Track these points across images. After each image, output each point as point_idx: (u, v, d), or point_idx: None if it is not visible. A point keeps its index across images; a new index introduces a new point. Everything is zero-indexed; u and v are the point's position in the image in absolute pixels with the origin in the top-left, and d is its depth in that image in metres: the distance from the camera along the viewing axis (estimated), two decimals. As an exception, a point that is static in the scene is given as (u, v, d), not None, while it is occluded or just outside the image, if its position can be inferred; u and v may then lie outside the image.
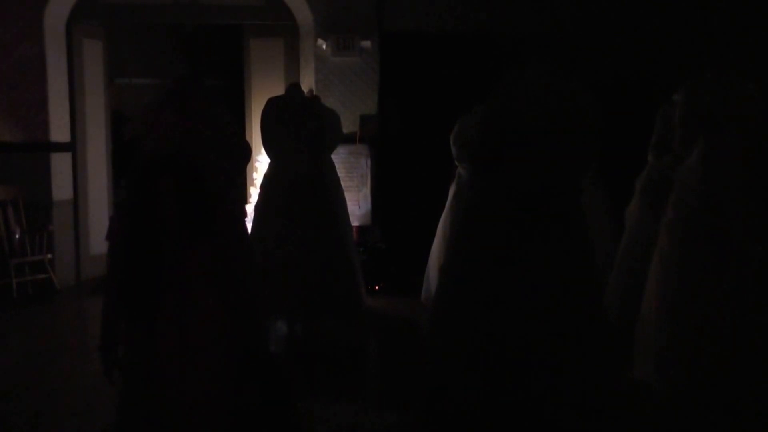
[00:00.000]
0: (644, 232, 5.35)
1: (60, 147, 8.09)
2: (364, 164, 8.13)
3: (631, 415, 4.28)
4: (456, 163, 6.66)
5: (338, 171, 6.64)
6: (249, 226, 5.99)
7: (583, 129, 3.80)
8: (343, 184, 6.67)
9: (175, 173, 2.91)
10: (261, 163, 7.45)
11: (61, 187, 8.13)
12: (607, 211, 6.35)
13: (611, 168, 6.02)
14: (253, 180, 8.00)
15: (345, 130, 7.01)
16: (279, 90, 7.30)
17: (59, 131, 8.08)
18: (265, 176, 6.29)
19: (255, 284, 5.00)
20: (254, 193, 7.33)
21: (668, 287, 4.42)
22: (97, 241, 8.21)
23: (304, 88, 6.63)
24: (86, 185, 8.41)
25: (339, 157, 7.18)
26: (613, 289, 5.58)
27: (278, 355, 3.24)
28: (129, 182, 2.97)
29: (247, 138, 7.19)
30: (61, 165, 8.12)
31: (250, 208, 6.49)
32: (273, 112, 6.15)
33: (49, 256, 7.75)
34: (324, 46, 8.06)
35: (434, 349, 4.12)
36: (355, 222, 7.57)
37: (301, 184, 6.07)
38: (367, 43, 8.09)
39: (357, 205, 8.03)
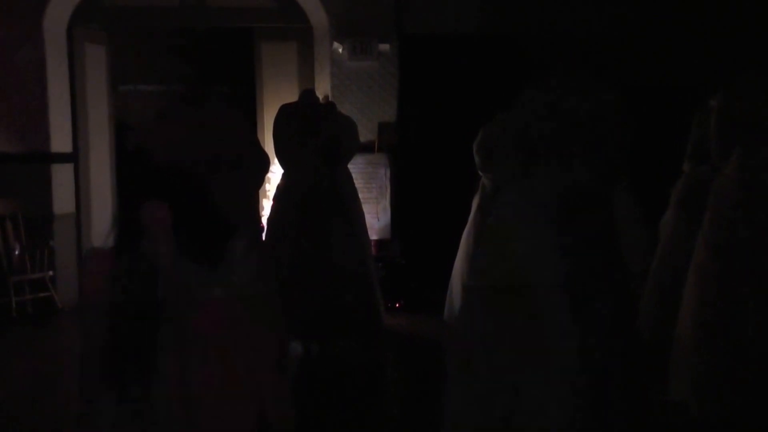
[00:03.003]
0: (680, 244, 5.35)
1: (61, 158, 8.18)
2: (383, 175, 8.20)
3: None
4: (479, 173, 6.71)
5: (356, 182, 6.69)
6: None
7: (613, 136, 3.86)
8: (360, 195, 6.72)
9: (168, 199, 2.46)
10: (274, 174, 7.53)
11: (63, 200, 8.22)
12: (641, 222, 6.37)
13: (644, 177, 6.05)
14: (266, 192, 8.07)
15: (362, 139, 7.06)
16: (292, 96, 7.36)
17: (60, 141, 8.17)
18: (278, 188, 6.37)
19: (277, 307, 5.04)
20: (267, 205, 7.40)
21: (706, 304, 4.43)
22: (101, 258, 8.26)
23: (319, 95, 6.69)
24: (89, 198, 8.48)
25: (356, 168, 7.27)
26: (647, 305, 5.61)
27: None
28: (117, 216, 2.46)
29: (258, 148, 7.25)
30: (62, 177, 8.21)
31: (263, 222, 6.55)
32: (286, 120, 6.23)
33: (51, 273, 7.82)
34: (340, 50, 8.14)
35: (457, 371, 4.18)
36: (373, 235, 7.64)
37: (316, 196, 6.14)
38: (385, 47, 8.17)
39: (376, 217, 8.09)
